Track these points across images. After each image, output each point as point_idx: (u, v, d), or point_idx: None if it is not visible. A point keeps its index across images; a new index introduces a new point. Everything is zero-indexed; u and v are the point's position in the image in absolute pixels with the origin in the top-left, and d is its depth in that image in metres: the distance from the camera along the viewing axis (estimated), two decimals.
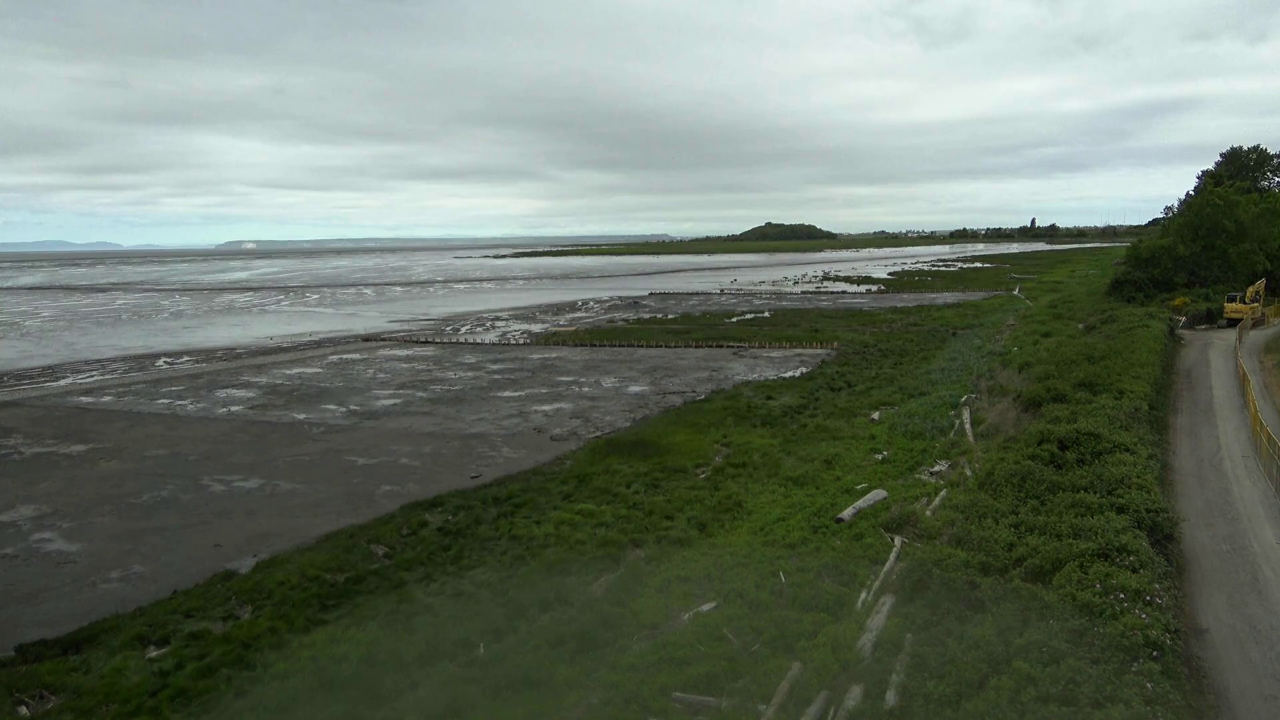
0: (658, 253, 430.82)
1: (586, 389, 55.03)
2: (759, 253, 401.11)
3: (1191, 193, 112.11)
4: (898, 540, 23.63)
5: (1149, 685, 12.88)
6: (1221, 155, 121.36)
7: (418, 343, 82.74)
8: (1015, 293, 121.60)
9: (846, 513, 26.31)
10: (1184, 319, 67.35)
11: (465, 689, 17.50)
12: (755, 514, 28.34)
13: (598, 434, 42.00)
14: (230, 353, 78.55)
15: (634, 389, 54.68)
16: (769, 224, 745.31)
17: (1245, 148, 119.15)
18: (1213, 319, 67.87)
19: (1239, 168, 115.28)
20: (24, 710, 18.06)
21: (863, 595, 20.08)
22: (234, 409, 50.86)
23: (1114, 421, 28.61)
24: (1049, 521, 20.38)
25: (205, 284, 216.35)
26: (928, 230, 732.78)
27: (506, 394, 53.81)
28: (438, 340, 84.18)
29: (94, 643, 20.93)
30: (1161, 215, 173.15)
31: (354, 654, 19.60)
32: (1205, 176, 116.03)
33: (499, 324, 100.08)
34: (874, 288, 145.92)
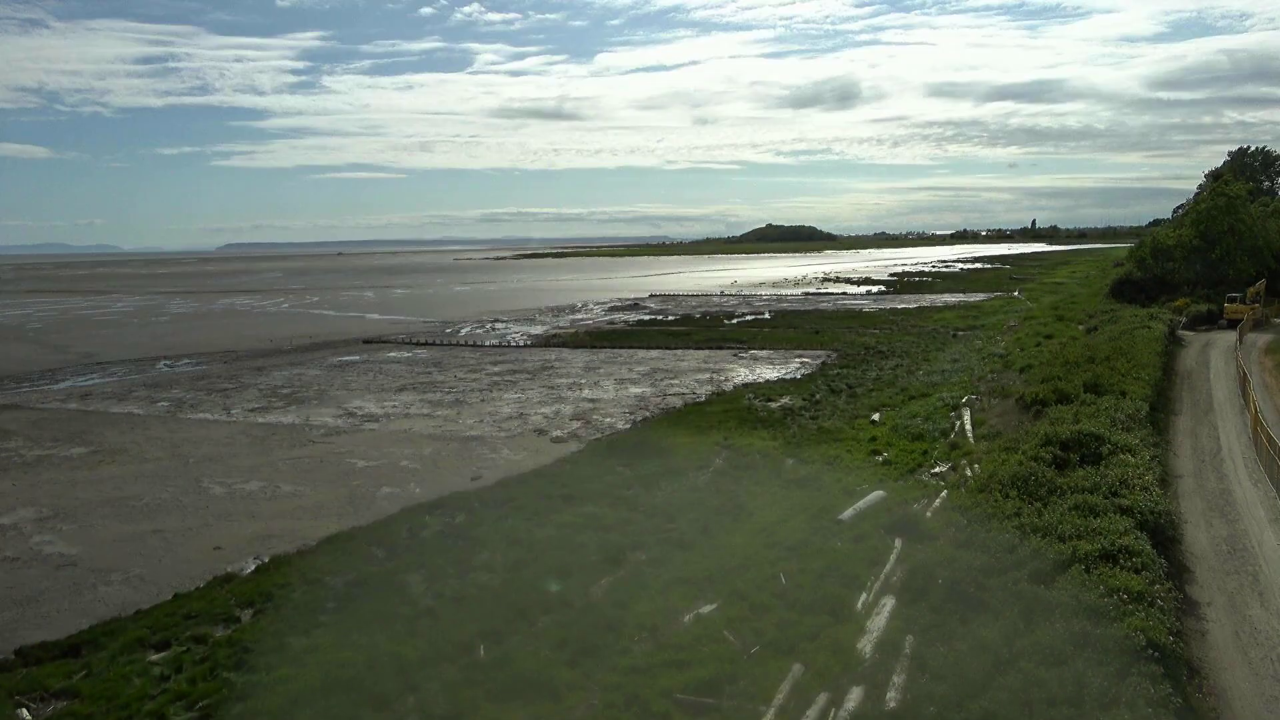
0: (657, 254, 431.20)
1: (586, 391, 55.02)
2: (759, 254, 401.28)
3: (1198, 190, 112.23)
4: (899, 542, 23.59)
5: (1152, 687, 12.85)
6: (1229, 155, 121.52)
7: (417, 345, 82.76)
8: (1016, 294, 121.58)
9: (847, 514, 26.28)
10: (1185, 320, 67.36)
11: (467, 692, 17.49)
12: (756, 515, 28.31)
13: (598, 436, 41.98)
14: (230, 354, 78.57)
15: (634, 391, 54.67)
16: (769, 225, 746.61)
17: (1251, 149, 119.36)
18: (1213, 320, 67.89)
19: (1244, 169, 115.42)
20: (25, 713, 18.03)
21: (863, 597, 20.05)
22: (234, 411, 50.86)
23: (1116, 423, 28.60)
24: (1051, 523, 20.35)
25: (205, 286, 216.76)
26: (928, 231, 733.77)
27: (506, 396, 53.80)
28: (437, 342, 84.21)
29: (94, 646, 20.89)
30: (1160, 217, 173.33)
31: (356, 657, 19.58)
32: (1210, 177, 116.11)
33: (498, 326, 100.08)
34: (875, 289, 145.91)
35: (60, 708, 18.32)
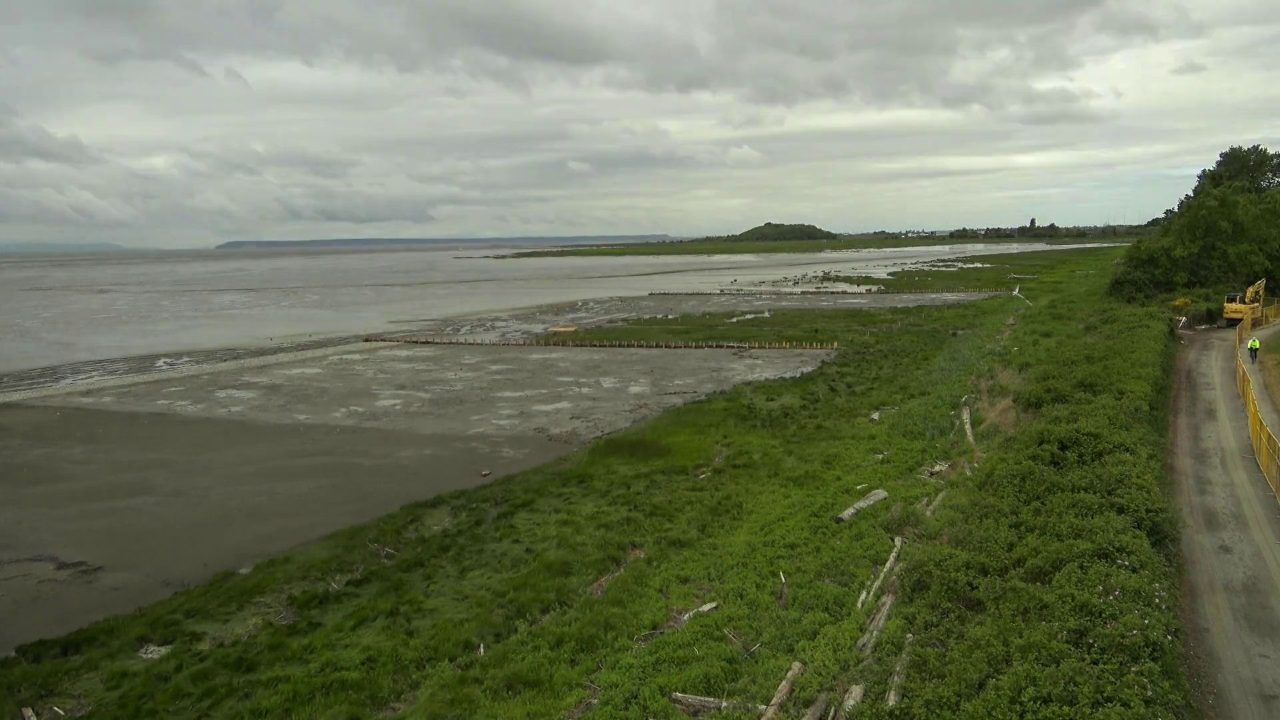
0: (657, 253, 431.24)
1: (587, 389, 55.05)
2: (758, 253, 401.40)
3: (1191, 194, 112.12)
4: (898, 540, 23.64)
5: (1149, 685, 12.88)
6: (1222, 155, 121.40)
7: (418, 343, 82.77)
8: (1015, 293, 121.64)
9: (846, 513, 26.32)
10: (1184, 319, 67.33)
11: (466, 690, 17.53)
12: (755, 514, 28.36)
13: (598, 434, 42.03)
14: (230, 353, 78.59)
15: (634, 389, 54.70)
16: (768, 224, 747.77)
17: (1245, 148, 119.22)
18: (1213, 319, 67.91)
19: (1239, 168, 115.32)
20: (29, 713, 18.08)
21: (862, 595, 20.09)
22: (234, 410, 50.89)
23: (1114, 421, 28.57)
24: (1049, 522, 20.36)
25: (206, 284, 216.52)
26: (927, 230, 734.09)
27: (507, 394, 53.83)
28: (438, 341, 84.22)
29: (94, 643, 20.95)
30: (1161, 216, 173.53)
31: (355, 655, 19.64)
32: (1205, 177, 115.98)
33: (499, 324, 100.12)
34: (874, 287, 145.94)
35: (64, 713, 18.36)
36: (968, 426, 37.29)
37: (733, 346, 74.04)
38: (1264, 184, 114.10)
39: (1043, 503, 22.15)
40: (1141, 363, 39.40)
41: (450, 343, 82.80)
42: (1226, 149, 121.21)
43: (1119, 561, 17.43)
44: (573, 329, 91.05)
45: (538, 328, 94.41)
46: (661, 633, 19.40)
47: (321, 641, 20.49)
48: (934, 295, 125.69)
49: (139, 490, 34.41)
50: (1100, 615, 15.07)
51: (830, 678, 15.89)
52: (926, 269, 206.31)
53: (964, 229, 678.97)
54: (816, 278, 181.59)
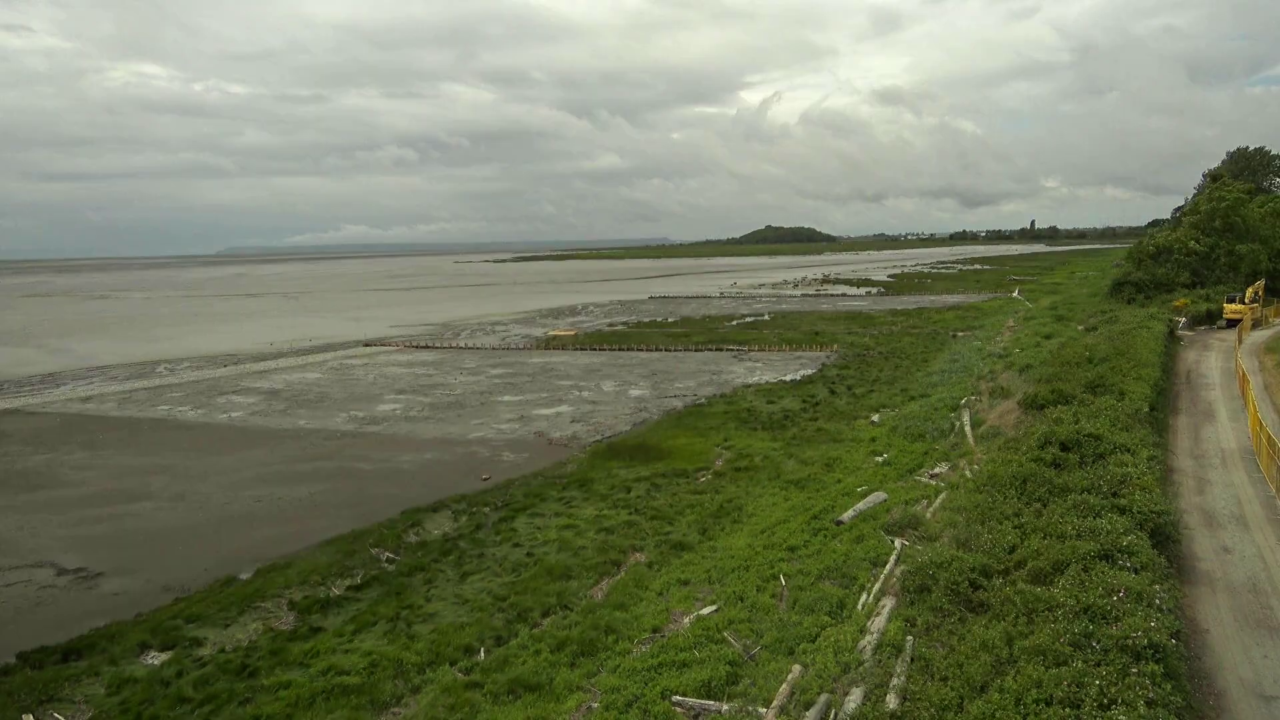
0: (657, 256, 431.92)
1: (587, 393, 55.05)
2: (758, 255, 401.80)
3: (1195, 192, 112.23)
4: (898, 542, 23.60)
5: (1151, 687, 12.86)
6: (1228, 154, 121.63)
7: (418, 347, 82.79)
8: (1015, 294, 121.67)
9: (847, 515, 26.29)
10: (1184, 320, 67.32)
11: (467, 694, 17.52)
12: (756, 517, 28.36)
13: (599, 438, 42.02)
14: (231, 358, 78.60)
15: (634, 393, 54.70)
16: (768, 226, 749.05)
17: (1250, 148, 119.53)
18: (1212, 320, 67.92)
19: (1243, 168, 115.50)
20: (29, 718, 18.07)
21: (863, 598, 20.06)
22: (235, 415, 50.90)
23: (1115, 423, 28.54)
24: (1051, 523, 20.34)
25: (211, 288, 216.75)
26: (927, 233, 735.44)
27: (507, 398, 53.84)
28: (438, 345, 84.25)
29: (95, 649, 20.93)
30: (1159, 218, 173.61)
31: (356, 660, 19.63)
32: (1209, 176, 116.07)
33: (499, 328, 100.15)
34: (874, 289, 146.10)
35: (63, 712, 18.35)
36: (968, 428, 37.25)
37: (733, 349, 74.06)
38: (1265, 185, 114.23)
39: (1044, 504, 22.12)
40: (1142, 363, 39.37)
41: (450, 347, 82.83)
42: (1234, 148, 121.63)
43: (1121, 563, 17.41)
44: (573, 333, 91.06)
45: (538, 331, 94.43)
46: (662, 636, 19.39)
47: (323, 646, 20.49)
48: (934, 297, 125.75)
49: (139, 496, 34.40)
50: (1104, 617, 15.06)
51: (831, 680, 15.87)
52: (926, 271, 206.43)
53: (964, 231, 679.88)
54: (816, 280, 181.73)
